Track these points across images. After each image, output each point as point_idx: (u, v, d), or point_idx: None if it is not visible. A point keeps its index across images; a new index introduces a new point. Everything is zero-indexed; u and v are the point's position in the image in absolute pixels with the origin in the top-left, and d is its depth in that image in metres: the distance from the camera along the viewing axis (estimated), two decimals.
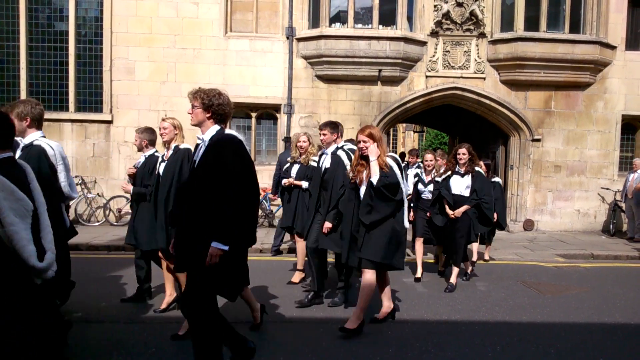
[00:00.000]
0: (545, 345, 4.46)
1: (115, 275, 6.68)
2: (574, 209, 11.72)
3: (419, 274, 6.85)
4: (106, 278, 6.50)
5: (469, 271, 7.01)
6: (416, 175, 7.57)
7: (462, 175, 6.46)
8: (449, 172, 6.55)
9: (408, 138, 41.78)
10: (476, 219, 6.47)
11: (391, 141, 38.32)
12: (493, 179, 7.64)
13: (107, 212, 10.95)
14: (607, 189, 11.51)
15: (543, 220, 11.63)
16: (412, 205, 7.24)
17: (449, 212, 6.39)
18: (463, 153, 6.46)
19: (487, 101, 11.39)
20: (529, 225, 11.56)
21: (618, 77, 11.47)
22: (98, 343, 4.25)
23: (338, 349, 4.24)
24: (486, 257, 8.29)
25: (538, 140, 11.46)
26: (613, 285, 6.79)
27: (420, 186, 7.26)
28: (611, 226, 11.28)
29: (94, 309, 5.11)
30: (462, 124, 14.49)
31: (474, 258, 7.41)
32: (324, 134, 5.52)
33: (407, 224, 4.84)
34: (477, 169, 6.94)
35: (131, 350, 4.09)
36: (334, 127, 5.53)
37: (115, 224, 10.89)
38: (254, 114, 11.54)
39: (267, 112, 11.64)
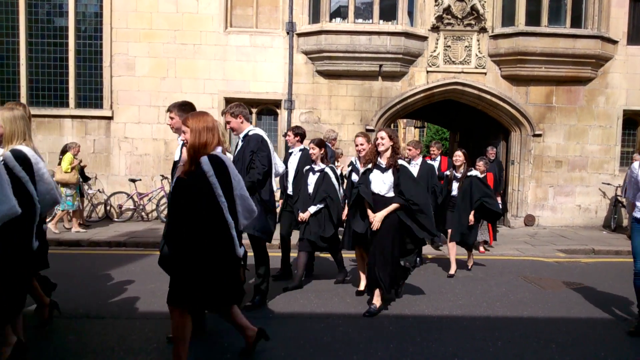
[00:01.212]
0: (547, 340, 4.46)
1: (117, 271, 6.69)
2: (575, 204, 11.71)
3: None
4: (107, 274, 6.50)
5: (453, 272, 6.78)
6: (350, 164, 6.25)
7: (383, 170, 5.02)
8: (370, 165, 5.15)
9: (409, 134, 41.71)
10: (415, 224, 5.02)
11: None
12: (470, 172, 6.95)
13: (108, 208, 10.95)
14: (608, 184, 11.50)
15: (544, 215, 11.62)
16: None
17: (370, 217, 5.03)
18: (382, 137, 5.02)
19: (488, 96, 11.37)
20: (529, 220, 11.56)
21: (619, 72, 11.43)
22: (99, 338, 4.25)
23: (339, 344, 4.25)
24: (469, 263, 7.29)
25: (539, 135, 11.44)
26: (614, 280, 6.79)
27: (354, 176, 5.85)
28: (612, 221, 11.28)
29: (94, 305, 5.11)
30: (462, 120, 14.47)
31: (452, 270, 6.85)
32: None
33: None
34: (415, 161, 7.12)
35: (132, 346, 4.09)
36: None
37: (116, 220, 10.89)
38: (254, 110, 11.52)
39: (268, 108, 11.62)
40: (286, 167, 6.38)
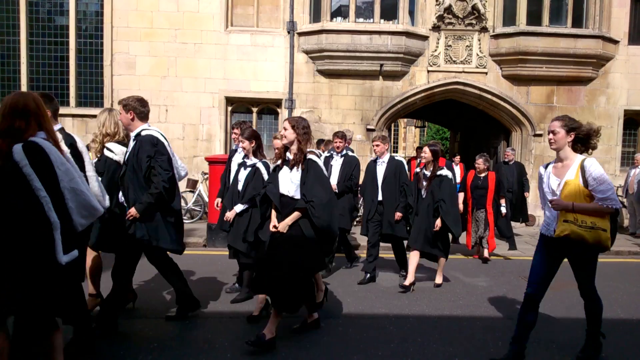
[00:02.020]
0: (547, 340, 4.45)
1: None
2: None
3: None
4: (107, 273, 6.48)
5: (408, 284, 5.93)
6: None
7: (291, 167, 4.27)
8: (279, 161, 4.40)
9: (409, 133, 41.71)
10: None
11: (392, 136, 38.25)
12: (440, 172, 6.15)
13: None
14: None
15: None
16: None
17: (272, 224, 4.31)
18: (284, 128, 4.26)
19: (489, 96, 11.36)
20: (530, 220, 11.54)
21: (620, 71, 11.43)
22: (100, 338, 4.24)
23: (339, 344, 4.24)
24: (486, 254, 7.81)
25: (540, 135, 11.43)
26: (614, 280, 6.78)
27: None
28: None
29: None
30: (463, 119, 14.47)
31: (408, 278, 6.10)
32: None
33: None
34: (339, 156, 6.83)
35: (133, 346, 4.09)
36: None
37: None
38: (255, 109, 11.52)
39: (268, 107, 11.62)
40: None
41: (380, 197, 6.34)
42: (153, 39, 10.98)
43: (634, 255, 8.90)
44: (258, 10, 11.31)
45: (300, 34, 11.08)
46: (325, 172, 4.40)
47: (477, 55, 11.18)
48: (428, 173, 6.23)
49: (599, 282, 6.60)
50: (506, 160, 9.97)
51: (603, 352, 4.19)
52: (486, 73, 11.28)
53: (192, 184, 10.87)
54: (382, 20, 10.90)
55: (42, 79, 11.09)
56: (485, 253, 8.00)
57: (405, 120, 38.11)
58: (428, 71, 11.25)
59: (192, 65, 11.05)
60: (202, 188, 10.79)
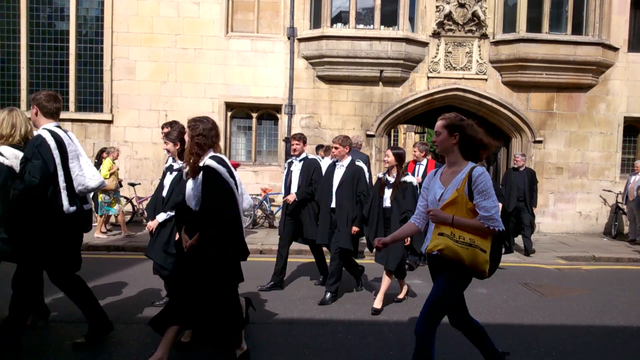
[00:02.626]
0: (547, 347, 4.42)
1: (115, 275, 6.66)
2: (576, 211, 11.69)
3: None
4: (105, 278, 6.47)
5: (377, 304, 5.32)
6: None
7: (192, 177, 3.71)
8: (187, 168, 3.78)
9: (409, 139, 41.73)
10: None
11: (392, 142, 38.28)
12: (404, 178, 5.48)
13: None
14: (609, 191, 11.48)
15: (544, 222, 11.59)
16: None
17: (183, 239, 3.76)
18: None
19: (489, 102, 11.37)
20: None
21: (620, 78, 11.44)
22: (97, 343, 4.21)
23: (339, 351, 4.21)
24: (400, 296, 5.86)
25: (540, 141, 11.43)
26: (615, 287, 6.76)
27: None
28: (613, 228, 11.25)
29: None
30: None
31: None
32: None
33: None
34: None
35: (130, 351, 4.06)
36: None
37: (116, 224, 10.85)
38: (254, 114, 11.52)
39: (268, 113, 11.62)
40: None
41: (333, 204, 5.80)
42: (153, 44, 10.99)
43: (634, 262, 8.87)
44: (258, 16, 11.33)
45: (301, 40, 11.09)
46: (230, 181, 3.61)
47: (477, 61, 11.20)
48: (392, 179, 5.49)
49: (598, 290, 6.60)
50: (516, 166, 9.28)
51: (603, 359, 4.16)
52: (486, 79, 11.29)
53: None
54: (382, 27, 10.92)
55: (42, 83, 11.08)
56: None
57: (405, 126, 38.11)
58: (428, 77, 11.26)
59: (192, 71, 11.06)
60: None
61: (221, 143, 11.26)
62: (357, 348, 4.28)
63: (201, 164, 3.59)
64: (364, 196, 5.70)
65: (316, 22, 11.02)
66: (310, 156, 6.45)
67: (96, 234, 9.29)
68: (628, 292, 6.57)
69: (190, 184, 3.70)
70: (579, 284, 6.94)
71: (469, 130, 3.18)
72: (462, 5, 10.95)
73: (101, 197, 9.25)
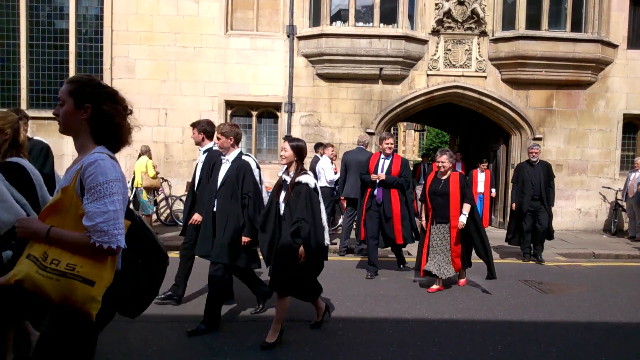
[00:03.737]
0: (547, 344, 4.44)
1: None
2: (575, 208, 11.70)
3: None
4: None
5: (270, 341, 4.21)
6: None
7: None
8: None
9: (409, 137, 41.78)
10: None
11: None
12: (299, 178, 4.35)
13: None
14: (609, 188, 11.49)
15: None
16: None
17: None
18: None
19: (489, 100, 11.37)
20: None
21: (619, 75, 11.44)
22: (99, 341, 4.21)
23: (339, 347, 4.23)
24: None
25: (539, 139, 11.43)
26: (614, 284, 6.78)
27: None
28: (612, 225, 11.27)
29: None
30: (463, 123, 14.47)
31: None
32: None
33: None
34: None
35: (132, 349, 4.08)
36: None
37: None
38: (254, 113, 11.52)
39: (268, 111, 11.62)
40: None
41: (215, 207, 4.77)
42: (153, 42, 10.99)
43: (633, 259, 8.89)
44: (258, 14, 11.32)
45: (300, 38, 11.09)
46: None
47: (477, 59, 11.20)
48: (289, 179, 4.39)
49: (598, 286, 6.61)
50: (534, 159, 8.26)
51: (602, 356, 4.18)
52: (485, 77, 11.28)
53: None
54: (381, 24, 10.92)
55: (41, 82, 11.09)
56: (460, 282, 6.59)
57: (405, 124, 38.17)
58: (427, 75, 11.26)
59: (192, 69, 11.06)
60: None
61: None
62: (357, 345, 4.30)
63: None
64: (249, 198, 4.62)
65: (315, 20, 11.02)
66: (244, 157, 4.88)
67: None
68: (627, 288, 6.60)
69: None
70: (579, 281, 6.96)
71: (108, 102, 2.13)
72: (461, 3, 10.94)
73: (147, 197, 9.39)
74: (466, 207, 6.06)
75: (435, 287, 6.19)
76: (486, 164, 11.43)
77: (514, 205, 8.43)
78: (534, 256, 8.31)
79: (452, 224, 6.08)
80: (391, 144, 6.98)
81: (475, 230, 6.21)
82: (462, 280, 6.58)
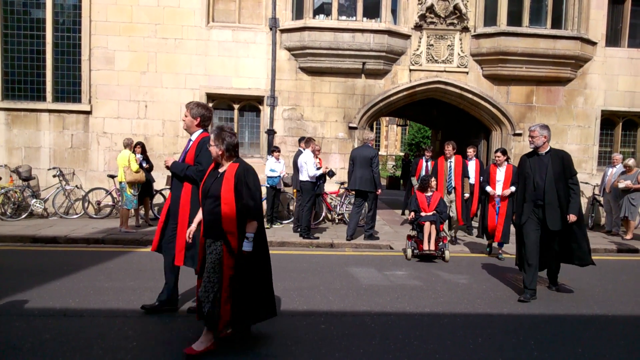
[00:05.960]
0: (526, 336, 4.51)
1: (95, 268, 6.57)
2: None
3: None
4: (85, 272, 6.38)
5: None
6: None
7: None
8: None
9: (391, 132, 41.91)
10: None
11: (374, 135, 38.33)
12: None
13: (86, 204, 10.75)
14: (586, 183, 11.68)
15: None
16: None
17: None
18: None
19: (470, 95, 11.46)
20: None
21: (598, 72, 11.63)
22: (77, 336, 4.16)
23: (321, 341, 4.23)
24: None
25: (519, 134, 11.57)
26: (591, 277, 6.90)
27: None
28: (590, 220, 11.47)
29: (72, 303, 5.01)
30: (444, 118, 14.58)
31: None
32: None
33: None
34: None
35: (111, 344, 4.02)
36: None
37: (94, 216, 10.71)
38: (236, 106, 11.43)
39: (250, 104, 11.54)
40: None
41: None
42: (132, 33, 10.80)
43: (609, 252, 9.08)
44: (240, 6, 11.21)
45: (283, 31, 11.02)
46: None
47: (459, 54, 11.27)
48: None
49: (574, 280, 6.73)
50: (543, 153, 6.03)
51: (579, 348, 4.25)
52: (467, 73, 11.37)
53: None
54: (364, 19, 10.90)
55: (17, 72, 10.83)
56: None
57: (388, 118, 38.28)
58: (410, 70, 11.30)
59: (173, 61, 10.91)
60: None
61: None
62: (340, 339, 4.30)
63: None
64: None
65: (298, 13, 10.96)
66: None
67: (124, 229, 9.16)
68: (604, 282, 6.73)
69: None
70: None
71: None
72: None
73: (130, 191, 9.19)
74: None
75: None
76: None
77: (514, 216, 6.16)
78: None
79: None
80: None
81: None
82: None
